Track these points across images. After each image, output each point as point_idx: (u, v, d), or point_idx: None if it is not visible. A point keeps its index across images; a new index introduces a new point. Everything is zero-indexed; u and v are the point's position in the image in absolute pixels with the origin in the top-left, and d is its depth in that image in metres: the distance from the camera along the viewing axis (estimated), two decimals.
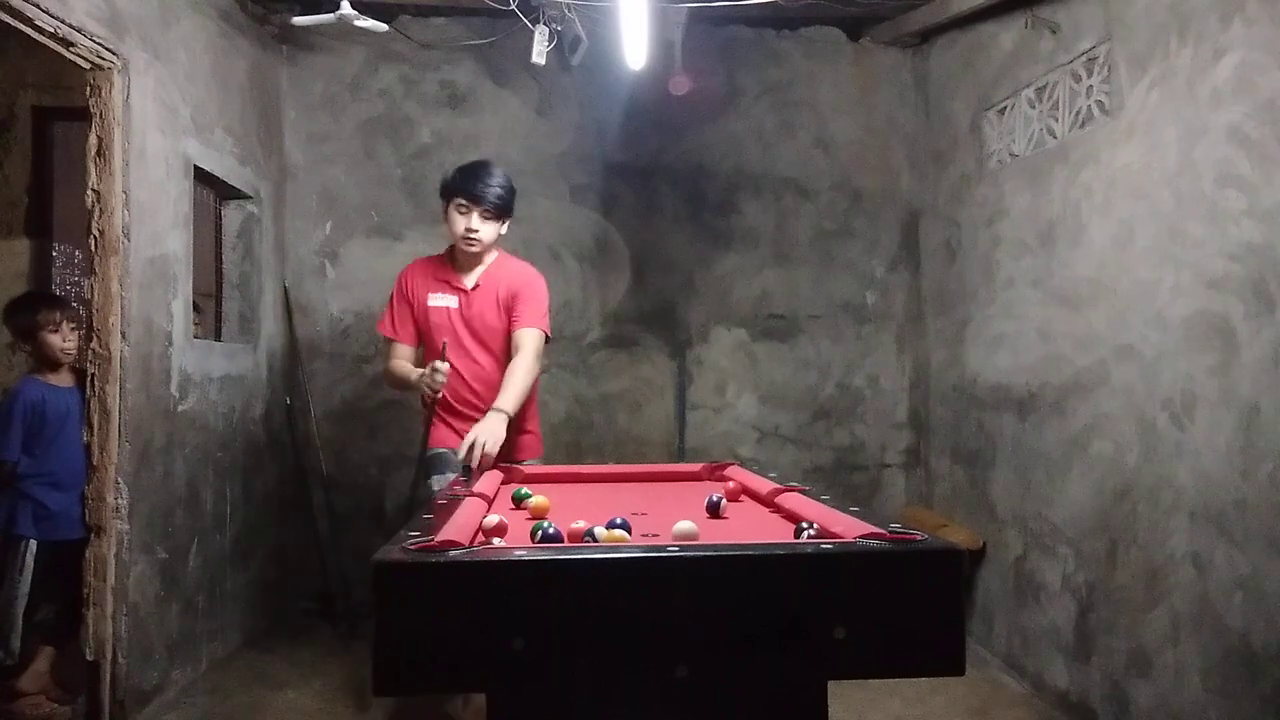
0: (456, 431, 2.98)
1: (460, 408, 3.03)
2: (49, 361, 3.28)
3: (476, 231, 2.95)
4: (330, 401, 4.32)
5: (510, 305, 3.03)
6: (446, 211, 3.00)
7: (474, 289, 3.05)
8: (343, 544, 4.21)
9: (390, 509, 4.30)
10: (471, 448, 2.64)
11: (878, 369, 4.52)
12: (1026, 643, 3.44)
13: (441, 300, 3.05)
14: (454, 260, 3.09)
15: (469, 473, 2.65)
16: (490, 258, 3.09)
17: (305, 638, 3.98)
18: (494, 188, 2.93)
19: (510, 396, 2.84)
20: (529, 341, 2.97)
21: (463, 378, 3.01)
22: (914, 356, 4.51)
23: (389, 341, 3.13)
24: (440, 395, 2.93)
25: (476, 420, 2.92)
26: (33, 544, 3.17)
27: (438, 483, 2.91)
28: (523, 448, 3.09)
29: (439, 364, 2.83)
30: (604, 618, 1.37)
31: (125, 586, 2.93)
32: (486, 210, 2.94)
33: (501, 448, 2.75)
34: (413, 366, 3.05)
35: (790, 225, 4.49)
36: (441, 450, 3.00)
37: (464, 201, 2.94)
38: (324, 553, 4.27)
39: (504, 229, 3.05)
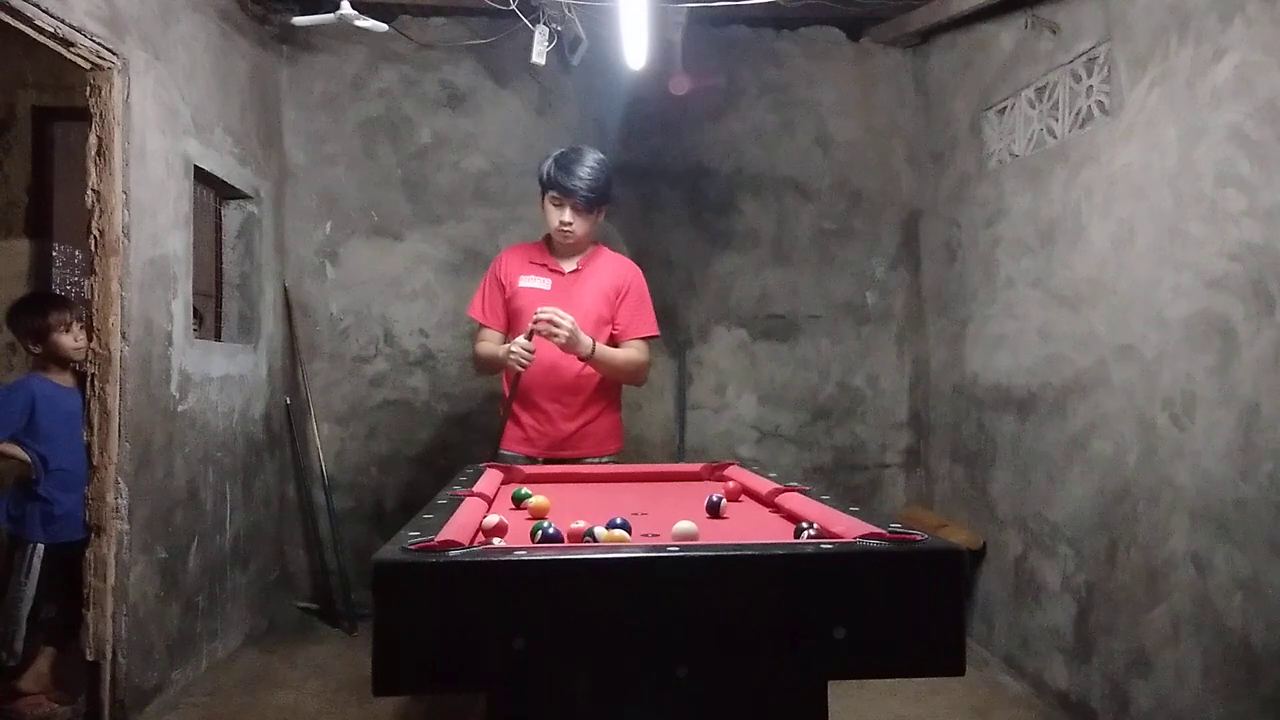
0: (526, 432, 2.97)
1: (538, 399, 2.96)
2: (59, 361, 3.28)
3: (570, 224, 2.93)
4: (330, 401, 4.32)
5: (617, 301, 3.00)
6: (542, 201, 2.99)
7: (574, 273, 3.02)
8: (343, 544, 4.21)
9: (390, 509, 4.31)
10: (547, 320, 2.73)
11: (878, 369, 4.52)
12: (1026, 643, 3.44)
13: (534, 282, 3.00)
14: (552, 245, 3.07)
15: (531, 334, 2.77)
16: (590, 246, 3.08)
17: (305, 638, 3.99)
18: (585, 181, 2.88)
19: (602, 348, 2.87)
20: (640, 354, 3.01)
21: (545, 365, 2.88)
22: (914, 356, 4.51)
23: (480, 326, 3.09)
24: (521, 376, 2.86)
25: (551, 416, 2.94)
26: (40, 547, 3.17)
27: None
28: (604, 437, 3.04)
29: (524, 340, 2.79)
30: (604, 618, 1.36)
31: (125, 586, 2.93)
32: (578, 204, 2.91)
33: (580, 436, 2.95)
34: (500, 345, 2.98)
35: (790, 225, 4.49)
36: (510, 454, 2.94)
37: (556, 195, 2.92)
38: (324, 553, 4.27)
39: (601, 218, 3.05)
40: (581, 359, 2.86)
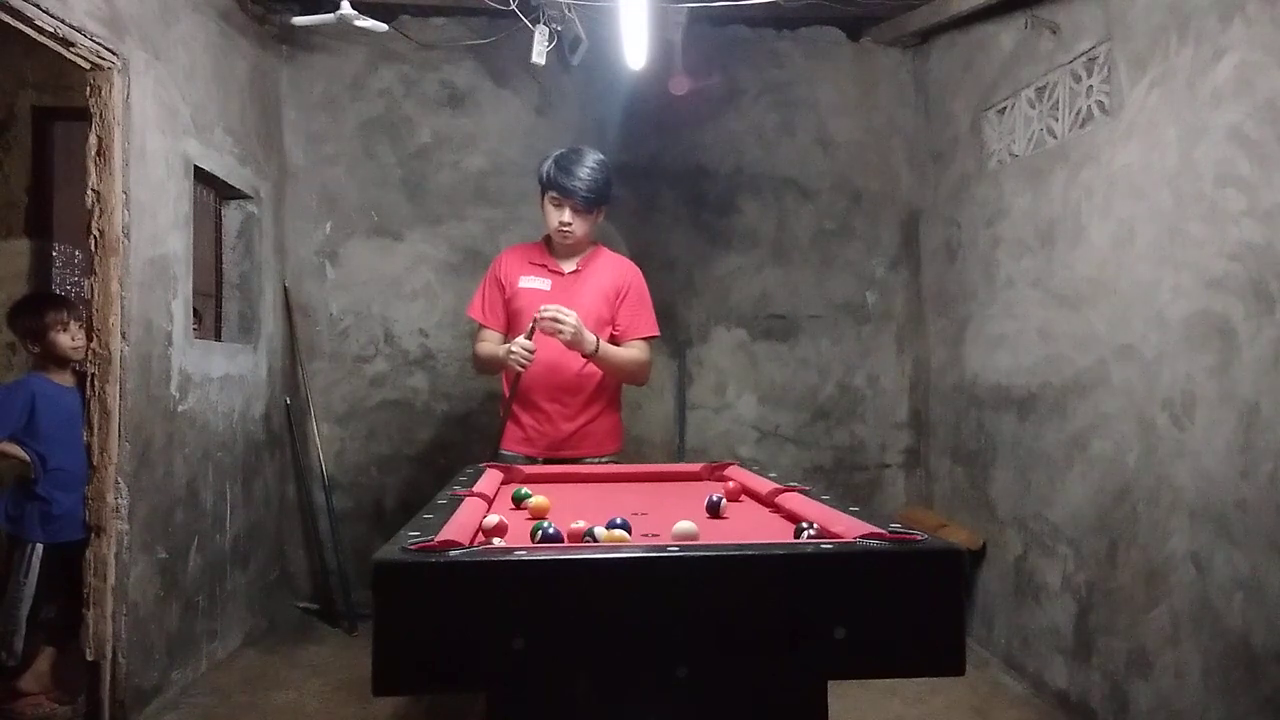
0: (526, 432, 2.98)
1: (538, 399, 2.96)
2: (57, 360, 3.28)
3: (570, 225, 2.94)
4: (330, 401, 4.32)
5: (617, 301, 3.01)
6: (542, 201, 2.99)
7: (573, 273, 3.03)
8: (343, 544, 4.21)
9: (390, 509, 4.31)
10: (551, 318, 2.72)
11: (878, 369, 4.52)
12: (1026, 643, 3.44)
13: (534, 283, 3.00)
14: (551, 246, 3.08)
15: (532, 333, 2.77)
16: (590, 246, 3.09)
17: (305, 638, 3.99)
18: (584, 182, 2.88)
19: (605, 346, 2.88)
20: (642, 354, 3.02)
21: (545, 365, 2.88)
22: (914, 356, 4.51)
23: (479, 326, 3.10)
24: (521, 376, 2.86)
25: (551, 416, 2.95)
26: (39, 547, 3.17)
27: None
28: (603, 437, 3.04)
29: (525, 340, 2.79)
30: (604, 618, 1.36)
31: (125, 586, 2.93)
32: (578, 205, 2.92)
33: (580, 436, 2.96)
34: (500, 345, 2.98)
35: (790, 225, 4.49)
36: (510, 454, 2.94)
37: (556, 195, 2.93)
38: (324, 553, 4.27)
39: (600, 218, 3.06)
40: (585, 356, 2.86)
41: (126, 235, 2.91)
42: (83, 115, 2.91)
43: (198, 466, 3.45)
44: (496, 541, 1.60)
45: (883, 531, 1.50)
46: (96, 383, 2.87)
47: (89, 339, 2.89)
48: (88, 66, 2.82)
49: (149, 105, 3.05)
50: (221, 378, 3.64)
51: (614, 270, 3.07)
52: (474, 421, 4.30)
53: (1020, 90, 3.50)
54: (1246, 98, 2.36)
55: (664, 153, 4.43)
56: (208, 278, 3.80)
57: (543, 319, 2.75)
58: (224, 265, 3.95)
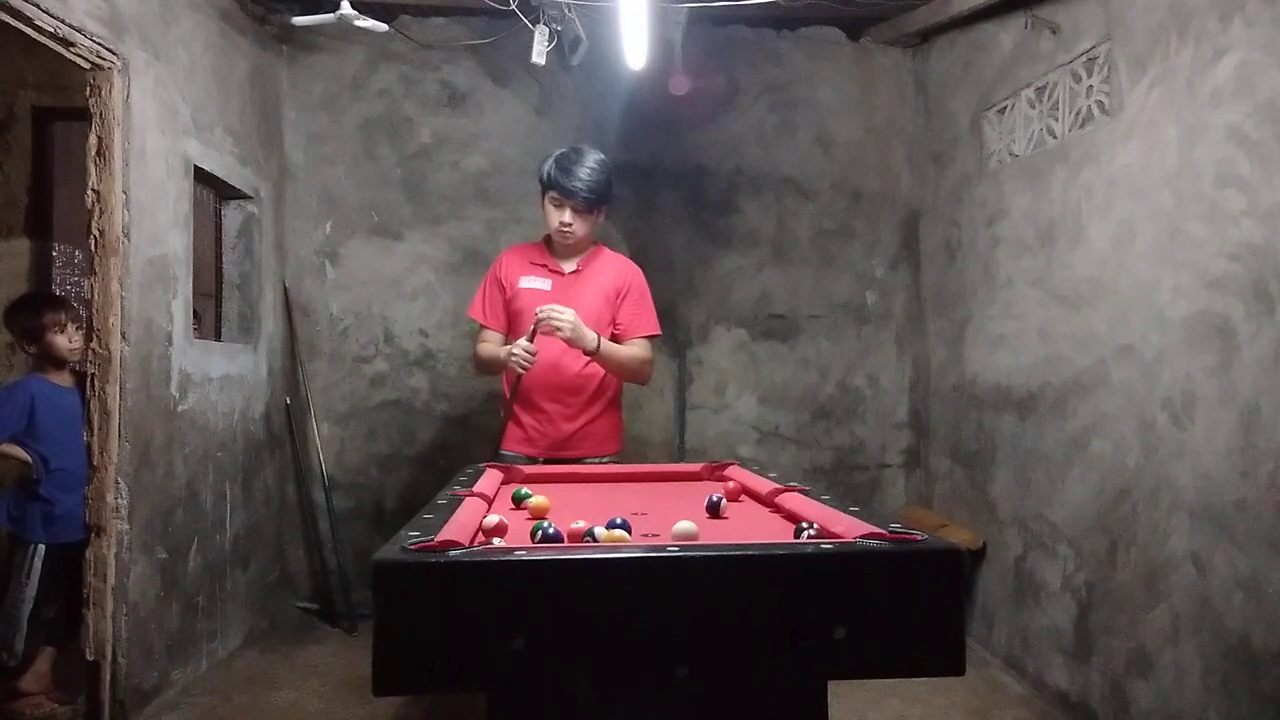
0: (527, 432, 2.98)
1: (539, 400, 2.96)
2: (55, 361, 3.28)
3: (570, 225, 2.94)
4: (330, 401, 4.32)
5: (618, 301, 3.01)
6: (543, 201, 2.99)
7: (574, 273, 3.03)
8: (343, 544, 4.21)
9: (390, 509, 4.31)
10: (546, 317, 2.74)
11: (878, 369, 4.52)
12: (1026, 643, 3.44)
13: (534, 283, 3.01)
14: (551, 246, 3.08)
15: (533, 335, 2.79)
16: (590, 246, 3.09)
17: (305, 638, 3.99)
18: (585, 182, 2.88)
19: (606, 344, 2.89)
20: (644, 352, 3.03)
21: (546, 365, 2.89)
22: (914, 356, 4.51)
23: (480, 327, 3.10)
24: (522, 377, 2.87)
25: (552, 417, 2.95)
26: (41, 548, 3.17)
27: None
28: (604, 437, 3.05)
29: (526, 342, 2.79)
30: (604, 618, 1.36)
31: (125, 586, 2.93)
32: (578, 205, 2.92)
33: (580, 437, 2.96)
34: (502, 346, 2.99)
35: (790, 225, 4.49)
36: (511, 454, 2.94)
37: (556, 195, 2.93)
38: (324, 553, 4.27)
39: (601, 218, 3.06)
40: (587, 354, 2.87)
41: (126, 235, 2.91)
42: (83, 115, 2.91)
43: (198, 466, 3.45)
44: (496, 541, 1.60)
45: (883, 531, 1.50)
46: (96, 383, 2.87)
47: (88, 339, 2.89)
48: (88, 66, 2.82)
49: (149, 105, 3.05)
50: (221, 378, 3.64)
51: (614, 270, 3.08)
52: (474, 421, 4.30)
53: (1020, 90, 3.50)
54: (1246, 98, 2.36)
55: (664, 153, 4.43)
56: (208, 278, 3.80)
57: (540, 319, 2.75)
58: (224, 265, 3.95)
